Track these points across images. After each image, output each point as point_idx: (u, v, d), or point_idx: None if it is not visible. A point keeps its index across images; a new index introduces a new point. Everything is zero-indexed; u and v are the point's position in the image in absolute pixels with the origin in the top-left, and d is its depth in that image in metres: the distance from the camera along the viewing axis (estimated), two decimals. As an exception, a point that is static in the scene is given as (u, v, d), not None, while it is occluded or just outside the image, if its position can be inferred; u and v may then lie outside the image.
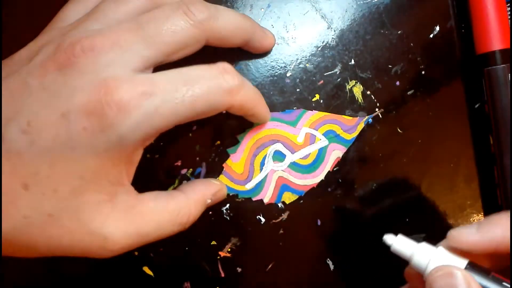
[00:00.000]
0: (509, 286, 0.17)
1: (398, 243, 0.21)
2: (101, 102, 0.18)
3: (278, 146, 0.27)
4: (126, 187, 0.21)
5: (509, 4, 0.28)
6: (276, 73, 0.28)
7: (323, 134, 0.28)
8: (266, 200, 0.28)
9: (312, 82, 0.28)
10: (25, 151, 0.18)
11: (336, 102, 0.28)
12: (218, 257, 0.28)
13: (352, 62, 0.28)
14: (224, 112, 0.24)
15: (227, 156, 0.28)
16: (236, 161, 0.27)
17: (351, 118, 0.28)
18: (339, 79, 0.28)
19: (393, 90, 0.28)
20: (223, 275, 0.28)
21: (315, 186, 0.28)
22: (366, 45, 0.28)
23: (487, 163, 0.28)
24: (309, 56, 0.28)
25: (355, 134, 0.28)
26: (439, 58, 0.28)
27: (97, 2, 0.24)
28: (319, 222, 0.28)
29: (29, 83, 0.19)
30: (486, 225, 0.19)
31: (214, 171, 0.28)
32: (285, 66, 0.27)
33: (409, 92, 0.28)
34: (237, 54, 0.27)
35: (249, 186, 0.28)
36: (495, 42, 0.27)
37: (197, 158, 0.27)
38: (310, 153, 0.28)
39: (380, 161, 0.28)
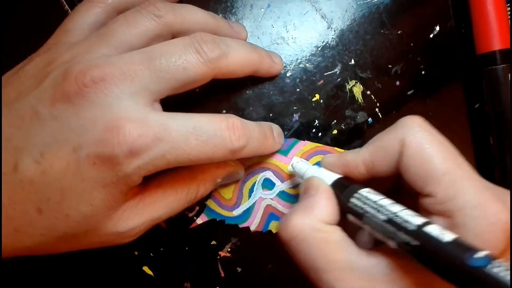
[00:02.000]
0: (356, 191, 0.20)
1: (296, 165, 0.25)
2: (113, 142, 0.18)
3: (268, 174, 0.27)
4: (132, 192, 0.22)
5: (509, 4, 0.28)
6: (276, 73, 0.28)
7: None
8: (253, 228, 0.28)
9: (312, 82, 0.28)
10: (37, 179, 0.19)
11: (336, 102, 0.28)
12: (218, 257, 0.28)
13: (352, 62, 0.28)
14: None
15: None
16: (225, 186, 0.27)
17: (343, 151, 0.27)
18: (339, 79, 0.28)
19: (393, 90, 0.28)
20: (223, 275, 0.28)
21: None
22: (366, 45, 0.28)
23: (487, 163, 0.28)
24: (309, 56, 0.28)
25: None
26: (439, 58, 0.28)
27: (107, 15, 0.23)
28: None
29: (39, 111, 0.19)
30: (343, 155, 0.23)
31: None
32: (285, 66, 0.27)
33: (409, 92, 0.28)
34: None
35: (237, 212, 0.27)
36: (495, 42, 0.27)
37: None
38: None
39: (380, 161, 0.28)
